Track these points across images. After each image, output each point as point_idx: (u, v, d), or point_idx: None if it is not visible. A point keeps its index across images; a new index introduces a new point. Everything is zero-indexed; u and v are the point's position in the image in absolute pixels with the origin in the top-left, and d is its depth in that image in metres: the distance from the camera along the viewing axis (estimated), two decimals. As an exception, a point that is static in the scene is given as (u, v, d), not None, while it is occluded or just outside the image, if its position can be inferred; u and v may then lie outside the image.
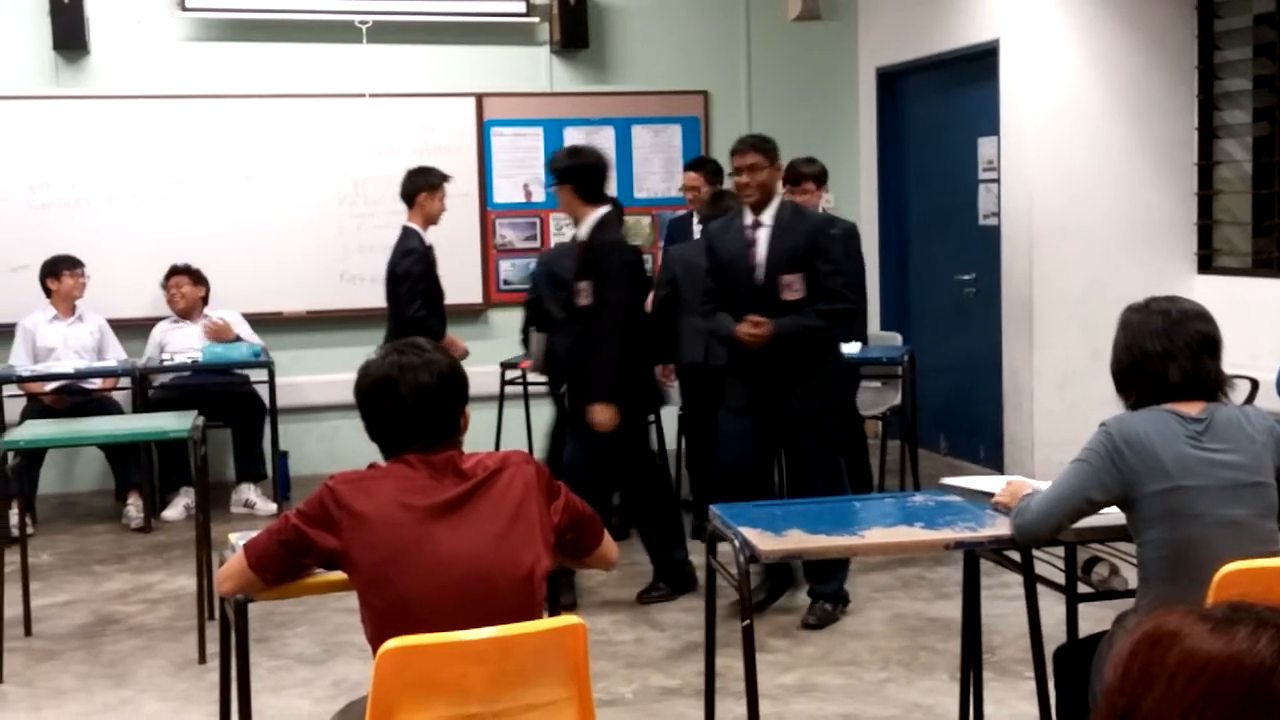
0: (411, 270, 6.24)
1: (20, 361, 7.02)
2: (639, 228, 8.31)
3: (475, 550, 2.59)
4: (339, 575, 2.70)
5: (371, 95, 7.94)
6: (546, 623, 2.60)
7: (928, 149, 8.29)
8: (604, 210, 5.35)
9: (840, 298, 5.02)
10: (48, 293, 7.13)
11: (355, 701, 2.82)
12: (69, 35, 7.44)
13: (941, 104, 8.15)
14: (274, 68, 7.87)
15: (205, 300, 7.44)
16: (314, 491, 2.64)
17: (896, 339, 7.35)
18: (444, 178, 6.45)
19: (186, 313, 7.34)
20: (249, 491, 7.12)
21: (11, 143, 7.47)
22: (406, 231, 6.36)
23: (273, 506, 6.96)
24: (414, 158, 7.95)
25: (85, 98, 7.59)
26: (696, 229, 6.94)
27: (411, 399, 2.65)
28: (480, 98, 8.14)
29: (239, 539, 3.08)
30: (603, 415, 5.15)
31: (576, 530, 2.79)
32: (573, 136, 8.29)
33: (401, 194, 6.43)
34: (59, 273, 7.11)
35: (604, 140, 8.34)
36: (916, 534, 3.18)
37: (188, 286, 7.35)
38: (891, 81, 8.51)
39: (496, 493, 2.65)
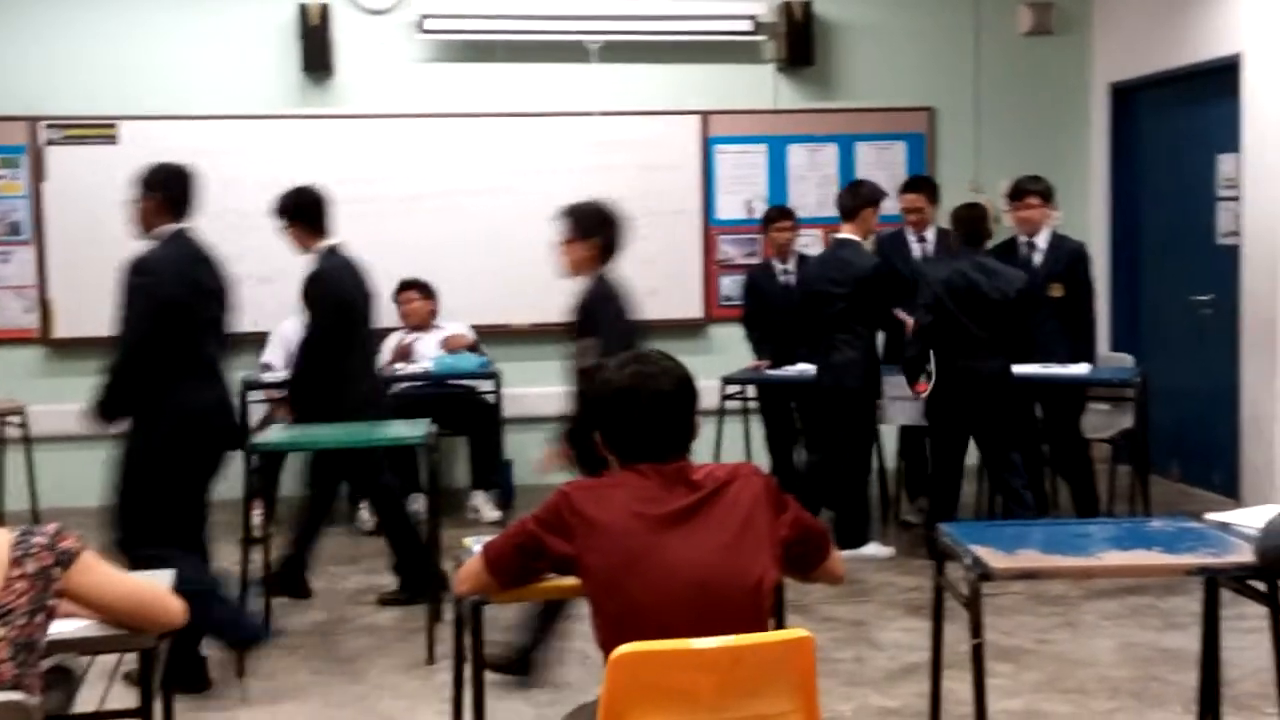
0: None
1: (273, 359, 7.37)
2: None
3: (704, 560, 2.62)
4: (571, 581, 2.77)
5: (599, 113, 8.10)
6: (775, 635, 2.61)
7: (1163, 166, 8.02)
8: (332, 242, 5.75)
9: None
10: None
11: (583, 706, 2.88)
12: (316, 57, 7.83)
13: (1178, 119, 7.87)
14: (506, 87, 8.11)
15: (435, 313, 7.69)
16: (549, 498, 2.70)
17: (1127, 360, 7.12)
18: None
19: (418, 325, 7.61)
20: (478, 498, 7.33)
21: (261, 159, 7.87)
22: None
23: (497, 514, 7.15)
24: (639, 174, 8.12)
25: (329, 117, 7.96)
26: (915, 246, 6.86)
27: (652, 407, 2.70)
28: (705, 115, 8.22)
29: (475, 542, 3.18)
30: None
31: (804, 544, 2.80)
32: (796, 153, 8.30)
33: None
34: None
35: (827, 157, 8.34)
36: (1156, 558, 3.08)
37: (418, 300, 7.61)
38: (1125, 96, 8.26)
39: (726, 504, 2.68)
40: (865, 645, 5.02)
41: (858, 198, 6.39)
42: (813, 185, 8.35)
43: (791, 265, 7.27)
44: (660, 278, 8.17)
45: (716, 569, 2.62)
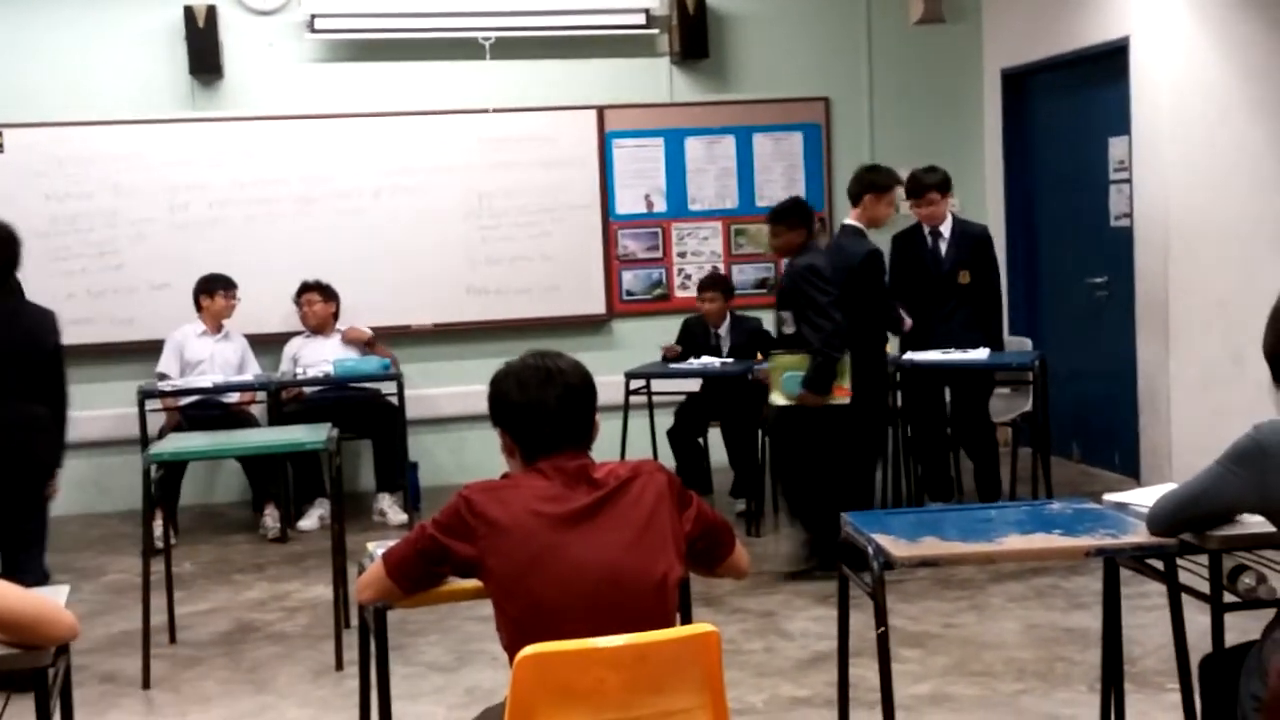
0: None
1: (169, 369, 7.23)
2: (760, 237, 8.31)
3: (608, 558, 2.60)
4: (474, 583, 2.74)
5: (495, 110, 8.05)
6: (681, 630, 2.61)
7: (1056, 150, 8.15)
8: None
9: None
10: (199, 309, 7.34)
11: (492, 708, 2.85)
12: (204, 60, 7.68)
13: (1069, 104, 8.00)
14: (400, 86, 8.02)
15: (336, 315, 7.59)
16: (449, 501, 2.67)
17: (1027, 344, 7.23)
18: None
19: (319, 328, 7.51)
20: (384, 501, 7.25)
21: (152, 165, 7.71)
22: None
23: (404, 516, 7.08)
24: (537, 171, 8.08)
25: (220, 120, 7.81)
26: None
27: (556, 403, 2.68)
28: (601, 110, 8.20)
29: (377, 548, 3.14)
30: None
31: (708, 539, 2.79)
32: (694, 146, 8.32)
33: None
34: (213, 291, 7.33)
35: (725, 149, 8.35)
36: (1055, 541, 3.11)
37: (319, 303, 7.51)
38: (1017, 82, 8.39)
39: (628, 501, 2.66)
40: (775, 636, 5.04)
41: (860, 182, 6.08)
42: (711, 178, 8.37)
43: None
44: (562, 274, 8.16)
45: (620, 567, 2.61)
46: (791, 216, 6.01)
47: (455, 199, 8.05)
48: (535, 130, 8.12)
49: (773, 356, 5.92)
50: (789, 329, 5.86)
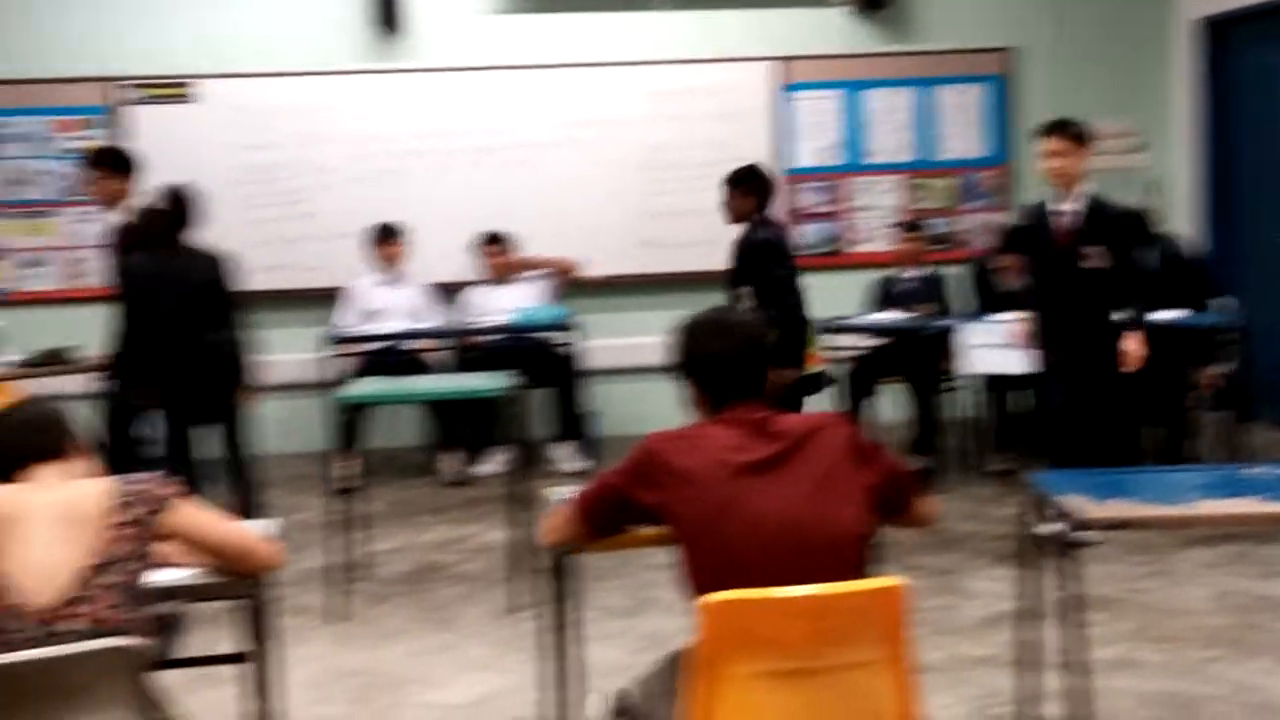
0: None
1: (349, 322, 7.45)
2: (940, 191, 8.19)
3: (789, 510, 2.61)
4: (657, 530, 2.77)
5: (670, 61, 8.04)
6: (864, 583, 2.60)
7: (1262, 103, 7.79)
8: None
9: None
10: (378, 258, 7.53)
11: (674, 653, 2.89)
12: (387, 13, 7.84)
13: (1274, 54, 7.63)
14: (577, 37, 8.07)
15: (514, 266, 7.70)
16: (633, 450, 2.70)
17: (1229, 304, 6.95)
18: None
19: (498, 277, 7.63)
20: (561, 450, 7.36)
21: (337, 116, 7.92)
22: None
23: (579, 465, 7.18)
24: (710, 124, 8.06)
25: (402, 71, 7.96)
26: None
27: (741, 355, 2.71)
28: (779, 62, 8.13)
29: (558, 495, 3.20)
30: None
31: (894, 489, 2.77)
32: (873, 99, 8.19)
33: None
34: (383, 239, 7.51)
35: (904, 101, 8.21)
36: (1255, 505, 3.02)
37: (499, 253, 7.63)
38: (1219, 31, 8.03)
39: (811, 453, 2.66)
40: (953, 594, 4.99)
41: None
42: (890, 131, 8.24)
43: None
44: (733, 228, 8.11)
45: (801, 518, 2.61)
46: (745, 183, 5.97)
47: (627, 152, 8.08)
48: (709, 82, 8.09)
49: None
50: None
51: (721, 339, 2.73)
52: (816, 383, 5.97)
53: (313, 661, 4.46)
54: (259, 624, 2.89)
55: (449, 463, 7.15)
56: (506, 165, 8.02)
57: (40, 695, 2.29)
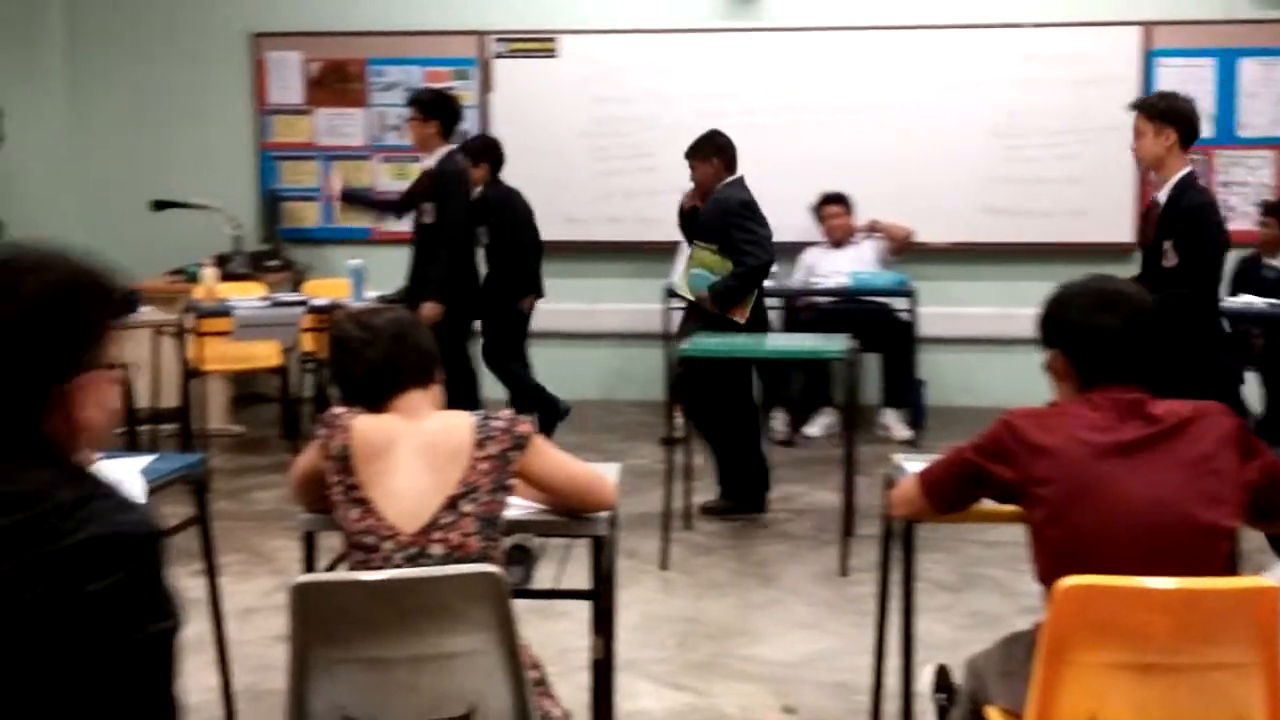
0: None
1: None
2: None
3: (1156, 496, 2.49)
4: (1004, 507, 2.71)
5: (1032, 25, 7.77)
6: (1237, 581, 2.47)
7: None
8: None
9: None
10: None
11: (1020, 633, 2.82)
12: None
13: None
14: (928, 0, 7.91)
15: (853, 229, 7.64)
16: (991, 426, 2.64)
17: None
18: None
19: (839, 240, 7.59)
20: (889, 416, 7.30)
21: (688, 73, 8.03)
22: None
23: (908, 433, 7.10)
24: (1069, 89, 7.76)
25: (757, 30, 7.99)
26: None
27: (1122, 329, 2.59)
28: (1147, 26, 7.73)
29: (903, 460, 3.18)
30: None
31: (1275, 491, 2.61)
32: (1249, 69, 7.70)
33: None
34: None
35: (1282, 72, 7.69)
36: None
37: (841, 215, 7.59)
38: None
39: (1186, 441, 2.53)
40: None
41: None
42: (1266, 103, 7.73)
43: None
44: (1088, 198, 7.83)
45: (1168, 507, 2.49)
46: (704, 148, 5.80)
47: (980, 116, 7.88)
48: (1071, 47, 7.79)
49: (696, 247, 5.73)
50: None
51: (1107, 312, 2.60)
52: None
53: (639, 605, 4.58)
54: (601, 563, 2.98)
55: (779, 422, 7.19)
56: (855, 127, 7.95)
57: (410, 612, 2.44)
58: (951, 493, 2.76)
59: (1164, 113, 4.67)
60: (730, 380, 5.64)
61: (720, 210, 5.66)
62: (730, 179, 5.79)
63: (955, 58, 7.86)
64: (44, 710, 1.43)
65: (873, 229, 7.54)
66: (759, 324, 5.75)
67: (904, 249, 7.51)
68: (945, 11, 7.88)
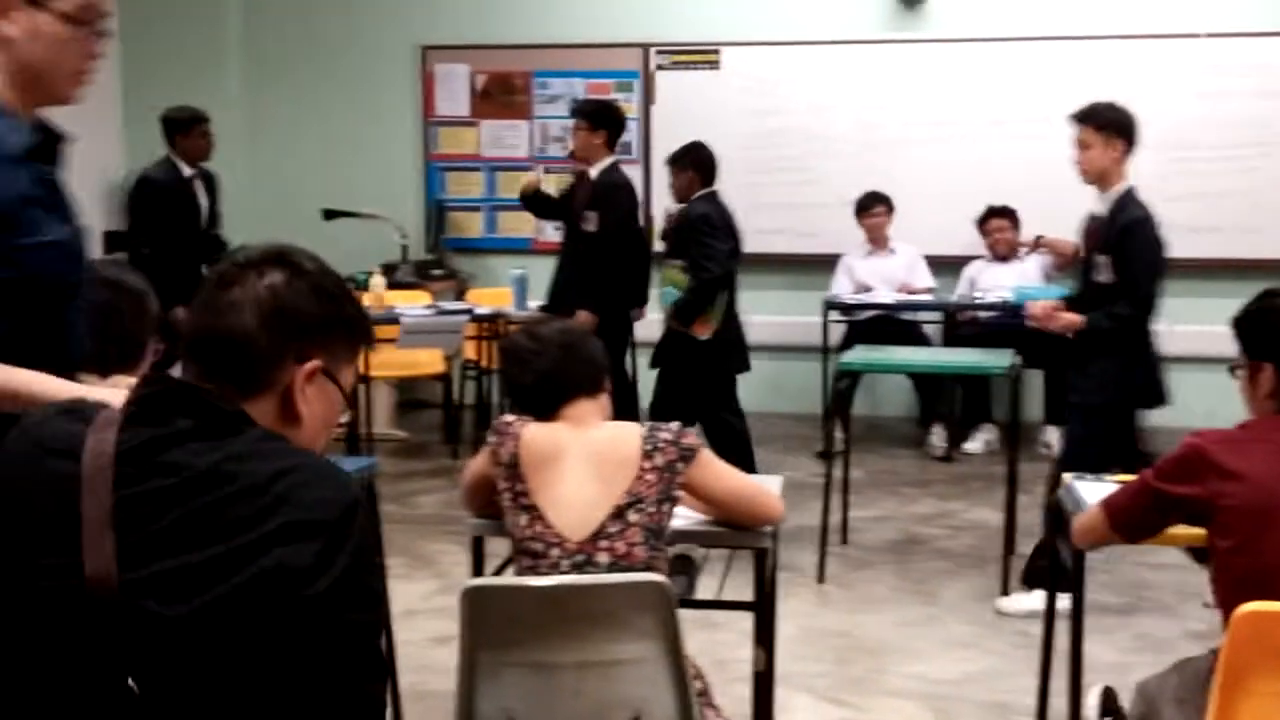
0: None
1: (841, 289, 7.54)
2: None
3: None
4: (1179, 530, 2.66)
5: (1208, 35, 7.55)
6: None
7: None
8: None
9: None
10: (861, 227, 7.60)
11: (1191, 659, 2.76)
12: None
13: None
14: (1104, 9, 7.73)
15: (1017, 244, 7.51)
16: (1177, 449, 2.58)
17: None
18: None
19: (1004, 254, 7.47)
20: (1051, 434, 7.16)
21: (849, 85, 7.99)
22: None
23: (1068, 451, 6.95)
24: (1247, 101, 7.51)
25: (920, 41, 7.92)
26: None
27: None
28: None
29: (1074, 480, 3.14)
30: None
31: None
32: None
33: None
34: (864, 209, 7.55)
35: None
36: None
37: (1007, 230, 7.46)
38: None
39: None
40: None
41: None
42: None
43: None
44: (1265, 213, 7.57)
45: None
46: (682, 159, 5.90)
47: (1148, 128, 7.65)
48: (1249, 57, 7.53)
49: (666, 266, 5.85)
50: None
51: None
52: None
53: (796, 618, 4.56)
54: (764, 575, 2.99)
55: (937, 436, 7.11)
56: (1016, 139, 7.80)
57: (577, 619, 2.48)
58: (1136, 520, 2.71)
59: (1112, 123, 4.66)
60: (708, 394, 5.74)
61: (686, 225, 5.80)
62: (702, 192, 5.86)
63: (1127, 69, 7.65)
64: (243, 702, 1.43)
65: (1039, 244, 7.40)
66: (728, 341, 5.79)
67: (1070, 265, 7.35)
68: (1118, 22, 7.69)
